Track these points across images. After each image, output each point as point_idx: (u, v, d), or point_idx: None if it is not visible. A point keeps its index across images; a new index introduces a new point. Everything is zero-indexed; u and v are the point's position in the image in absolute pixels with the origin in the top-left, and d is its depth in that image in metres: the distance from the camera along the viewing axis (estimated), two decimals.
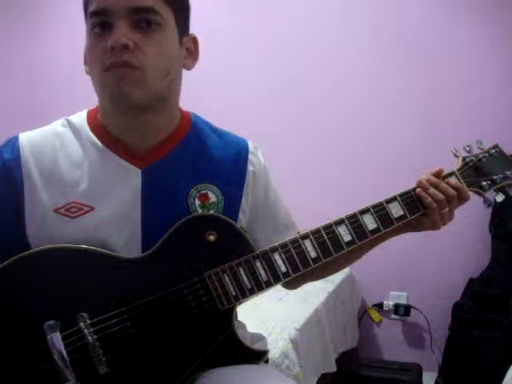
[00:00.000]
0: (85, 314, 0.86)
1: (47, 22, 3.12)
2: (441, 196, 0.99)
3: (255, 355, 0.96)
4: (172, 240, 0.93)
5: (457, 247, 2.59)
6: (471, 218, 2.48)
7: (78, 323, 0.85)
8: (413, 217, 1.01)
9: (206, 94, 2.83)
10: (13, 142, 0.97)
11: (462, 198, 1.01)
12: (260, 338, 1.09)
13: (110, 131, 0.98)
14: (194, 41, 1.01)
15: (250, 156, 1.06)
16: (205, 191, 0.99)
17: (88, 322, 0.85)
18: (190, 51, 1.00)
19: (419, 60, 2.63)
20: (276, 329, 1.75)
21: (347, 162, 2.73)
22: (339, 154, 2.73)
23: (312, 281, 1.16)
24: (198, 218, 0.95)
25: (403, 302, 2.68)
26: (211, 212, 0.98)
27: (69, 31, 3.10)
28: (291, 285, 1.12)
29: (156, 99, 0.93)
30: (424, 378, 2.42)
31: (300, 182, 2.73)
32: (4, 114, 3.13)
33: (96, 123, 0.99)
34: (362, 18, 2.72)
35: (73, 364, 0.83)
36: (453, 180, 1.02)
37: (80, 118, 1.01)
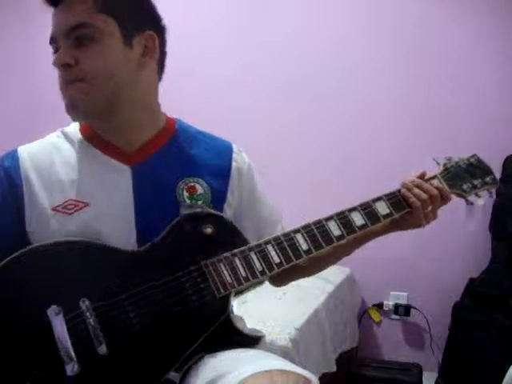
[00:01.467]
0: (87, 300, 0.91)
1: (48, 22, 3.13)
2: (424, 195, 1.08)
3: (251, 340, 1.00)
4: (171, 234, 0.99)
5: (457, 247, 2.59)
6: (471, 218, 2.49)
7: (81, 307, 0.90)
8: (398, 214, 1.09)
9: (204, 94, 2.83)
10: (12, 153, 1.05)
11: (443, 199, 1.11)
12: (258, 332, 1.11)
13: (100, 136, 1.06)
14: (152, 37, 1.04)
15: (234, 155, 1.13)
16: (192, 183, 1.06)
17: (90, 305, 0.90)
18: (148, 48, 1.04)
19: (418, 58, 2.63)
20: (276, 329, 1.75)
21: (345, 161, 2.73)
22: (337, 153, 2.74)
23: (301, 278, 1.23)
24: (196, 214, 1.01)
25: (403, 302, 2.68)
26: (199, 203, 1.04)
27: None
28: (279, 281, 1.20)
29: (106, 101, 0.99)
30: (424, 378, 2.42)
31: (297, 180, 2.74)
32: (4, 114, 3.14)
33: (88, 131, 1.07)
34: (359, 17, 2.72)
35: (74, 346, 0.88)
36: (435, 182, 1.11)
37: (73, 127, 1.09)
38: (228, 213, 1.09)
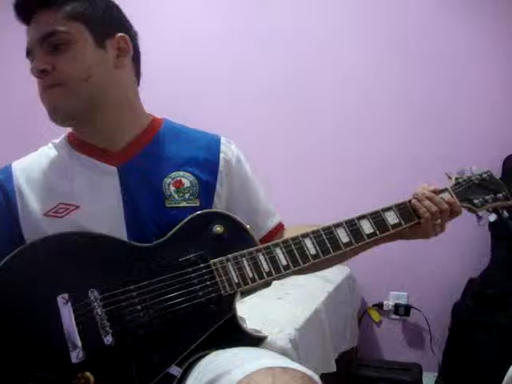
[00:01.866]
0: (95, 290, 0.93)
1: None
2: (434, 208, 1.10)
3: (254, 340, 1.01)
4: (182, 231, 1.02)
5: (457, 247, 2.58)
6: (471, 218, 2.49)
7: (89, 297, 0.93)
8: (407, 225, 1.11)
9: (202, 93, 2.83)
10: (6, 167, 1.10)
11: (453, 212, 1.13)
12: (262, 334, 1.11)
13: (85, 141, 1.10)
14: (123, 39, 1.08)
15: (222, 146, 1.15)
16: (178, 178, 1.08)
17: (98, 296, 0.93)
18: (122, 49, 1.08)
19: (417, 59, 2.63)
20: (276, 329, 1.74)
21: (343, 160, 2.73)
22: (335, 152, 2.74)
23: (306, 274, 1.22)
24: (208, 213, 1.05)
25: (403, 302, 2.68)
26: (187, 195, 1.06)
27: None
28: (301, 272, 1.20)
29: (85, 102, 1.03)
30: (424, 378, 2.42)
31: (295, 179, 2.75)
32: (5, 115, 3.14)
33: (75, 138, 1.12)
34: (358, 16, 2.72)
35: (80, 334, 0.90)
36: (446, 196, 1.13)
37: (62, 138, 1.15)
38: (219, 205, 1.11)
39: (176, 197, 1.06)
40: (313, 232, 1.04)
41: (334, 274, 2.46)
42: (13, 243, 1.01)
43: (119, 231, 1.03)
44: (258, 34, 2.83)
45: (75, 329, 0.90)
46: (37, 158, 1.12)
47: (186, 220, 1.03)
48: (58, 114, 1.03)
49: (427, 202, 1.11)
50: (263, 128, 2.79)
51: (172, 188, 1.06)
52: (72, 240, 0.98)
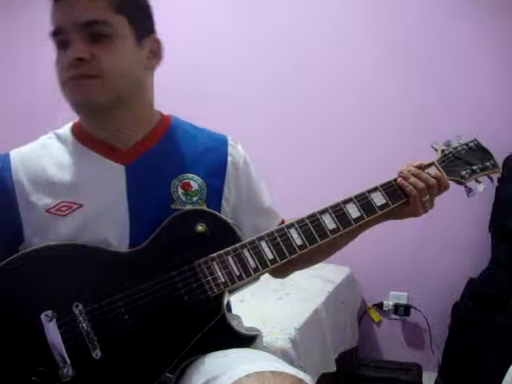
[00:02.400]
0: (80, 304, 0.90)
1: (48, 24, 3.13)
2: (421, 184, 1.05)
3: (246, 339, 0.98)
4: (163, 233, 0.98)
5: (457, 247, 2.59)
6: (471, 218, 2.49)
7: (74, 312, 0.90)
8: (395, 205, 1.06)
9: (202, 91, 2.83)
10: (3, 157, 1.05)
11: (441, 187, 1.07)
12: (255, 331, 1.10)
13: (92, 135, 1.05)
14: (157, 42, 1.07)
15: (229, 148, 1.13)
16: (187, 180, 1.05)
17: (83, 310, 0.90)
18: (153, 52, 1.06)
19: (416, 58, 2.62)
20: (276, 329, 1.75)
21: (344, 157, 2.73)
22: (336, 149, 2.73)
23: (301, 269, 1.21)
24: (188, 212, 1.01)
25: (403, 301, 2.68)
26: (195, 199, 1.04)
27: None
28: (280, 273, 1.17)
29: (116, 99, 0.99)
30: (424, 378, 2.42)
31: (297, 176, 2.74)
32: (5, 115, 3.14)
33: (80, 131, 1.07)
34: (358, 14, 2.71)
35: (68, 351, 0.87)
36: (433, 170, 1.08)
37: (65, 128, 1.09)
38: (226, 208, 1.09)
39: (183, 199, 1.03)
40: (298, 221, 1.00)
41: (334, 274, 2.46)
42: (12, 239, 0.99)
43: (123, 233, 1.00)
44: (259, 32, 2.83)
45: (62, 346, 0.87)
46: (37, 149, 1.06)
47: (166, 221, 0.99)
48: (87, 106, 0.99)
49: (413, 179, 1.05)
50: (263, 125, 2.79)
51: (180, 190, 1.03)
52: (52, 253, 0.94)
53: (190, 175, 1.05)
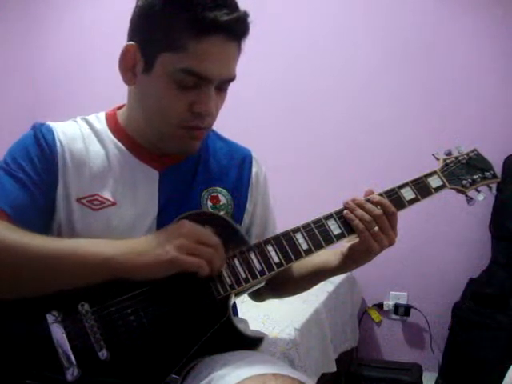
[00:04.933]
0: (86, 303, 0.89)
1: (48, 23, 3.14)
2: (367, 216, 0.98)
3: (251, 342, 0.98)
4: None
5: (457, 247, 2.59)
6: (471, 218, 2.49)
7: (79, 311, 0.88)
8: (349, 237, 1.00)
9: None
10: (47, 127, 1.01)
11: (389, 215, 0.99)
12: (260, 334, 1.10)
13: (130, 135, 1.04)
14: None
15: (254, 162, 1.14)
16: (215, 194, 1.05)
17: (89, 309, 0.88)
18: None
19: (417, 58, 2.62)
20: (276, 329, 1.75)
21: (345, 159, 2.73)
22: (337, 151, 2.73)
23: (279, 297, 1.23)
24: (196, 214, 0.98)
25: (403, 302, 2.68)
26: (221, 213, 1.04)
27: (69, 33, 3.11)
28: (260, 297, 1.17)
29: None
30: (424, 378, 2.42)
31: (296, 177, 2.74)
32: (4, 115, 3.13)
33: (117, 127, 1.05)
34: (359, 14, 2.72)
35: (74, 351, 0.86)
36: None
37: (99, 121, 1.06)
38: (247, 221, 1.11)
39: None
40: (304, 226, 0.99)
41: None
42: (44, 216, 0.96)
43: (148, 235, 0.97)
44: (260, 33, 2.82)
45: (68, 346, 0.86)
46: (77, 130, 1.03)
47: (173, 223, 0.96)
48: (178, 152, 1.02)
49: (359, 211, 0.98)
50: (262, 126, 2.79)
51: (209, 203, 1.04)
52: None
53: (218, 188, 1.06)
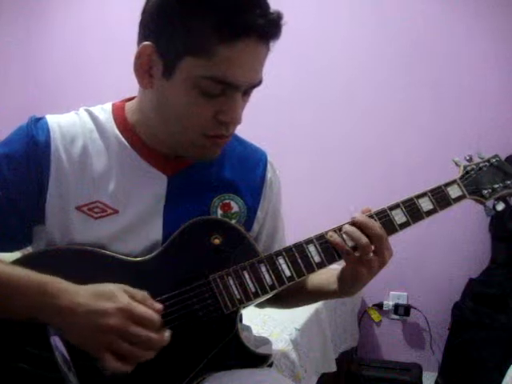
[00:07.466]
0: None
1: (51, 21, 3.13)
2: (351, 244, 0.91)
3: (259, 359, 0.95)
4: (177, 243, 0.92)
5: (457, 247, 2.59)
6: (471, 218, 2.49)
7: None
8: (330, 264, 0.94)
9: None
10: (42, 123, 0.92)
11: (374, 237, 0.91)
12: (265, 341, 1.10)
13: (138, 134, 0.95)
14: None
15: (269, 166, 1.07)
16: (228, 201, 0.99)
17: None
18: None
19: (419, 60, 2.62)
20: (276, 329, 1.75)
21: (355, 166, 2.72)
22: (348, 158, 2.73)
23: (277, 308, 1.22)
24: (203, 222, 0.94)
25: (403, 302, 2.68)
26: (233, 221, 0.98)
27: (66, 35, 3.11)
28: (260, 305, 1.14)
29: None
30: (424, 378, 2.43)
31: (310, 185, 2.74)
32: (6, 114, 3.13)
33: (124, 123, 0.95)
34: (366, 21, 2.72)
35: (76, 366, 0.81)
36: (454, 188, 0.98)
37: (105, 113, 0.97)
38: (256, 229, 1.05)
39: None
40: (317, 238, 0.93)
41: None
42: (31, 206, 0.89)
43: (152, 247, 0.93)
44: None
45: (69, 361, 0.81)
46: (78, 128, 0.93)
47: (179, 231, 0.92)
48: (198, 159, 0.95)
49: (339, 240, 0.91)
50: (276, 133, 2.75)
51: (220, 211, 0.97)
52: (62, 258, 0.88)
53: (231, 195, 0.99)
